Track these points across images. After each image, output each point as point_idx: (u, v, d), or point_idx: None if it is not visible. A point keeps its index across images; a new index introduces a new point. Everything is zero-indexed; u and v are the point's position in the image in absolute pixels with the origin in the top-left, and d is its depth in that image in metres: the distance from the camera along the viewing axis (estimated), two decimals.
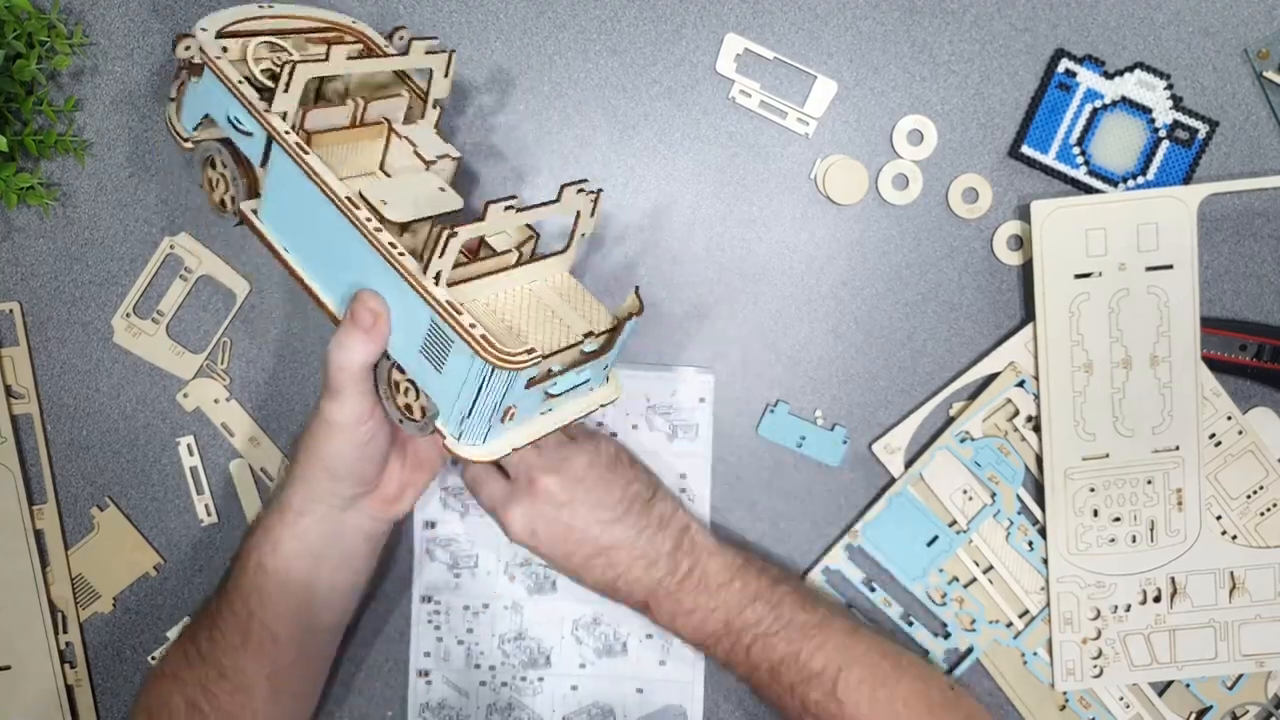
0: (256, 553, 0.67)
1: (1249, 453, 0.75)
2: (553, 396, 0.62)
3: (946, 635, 0.77)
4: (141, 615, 0.78)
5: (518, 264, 0.64)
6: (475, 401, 0.58)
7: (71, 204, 0.77)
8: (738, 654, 0.70)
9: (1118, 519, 0.75)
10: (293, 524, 0.66)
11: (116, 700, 0.78)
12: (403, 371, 0.61)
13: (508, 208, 0.58)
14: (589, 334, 0.61)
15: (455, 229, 0.56)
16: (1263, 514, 0.75)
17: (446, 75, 0.67)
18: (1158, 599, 0.75)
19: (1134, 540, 0.75)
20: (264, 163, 0.62)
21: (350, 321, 0.60)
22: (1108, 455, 0.74)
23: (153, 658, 0.78)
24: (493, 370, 0.56)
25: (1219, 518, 0.75)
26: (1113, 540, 0.75)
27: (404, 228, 0.63)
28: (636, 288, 0.63)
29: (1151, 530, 0.75)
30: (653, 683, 0.78)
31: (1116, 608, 0.75)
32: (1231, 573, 0.75)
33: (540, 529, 0.69)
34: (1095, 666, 0.75)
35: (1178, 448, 0.74)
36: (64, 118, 0.76)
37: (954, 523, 0.76)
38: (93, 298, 0.77)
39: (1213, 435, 0.74)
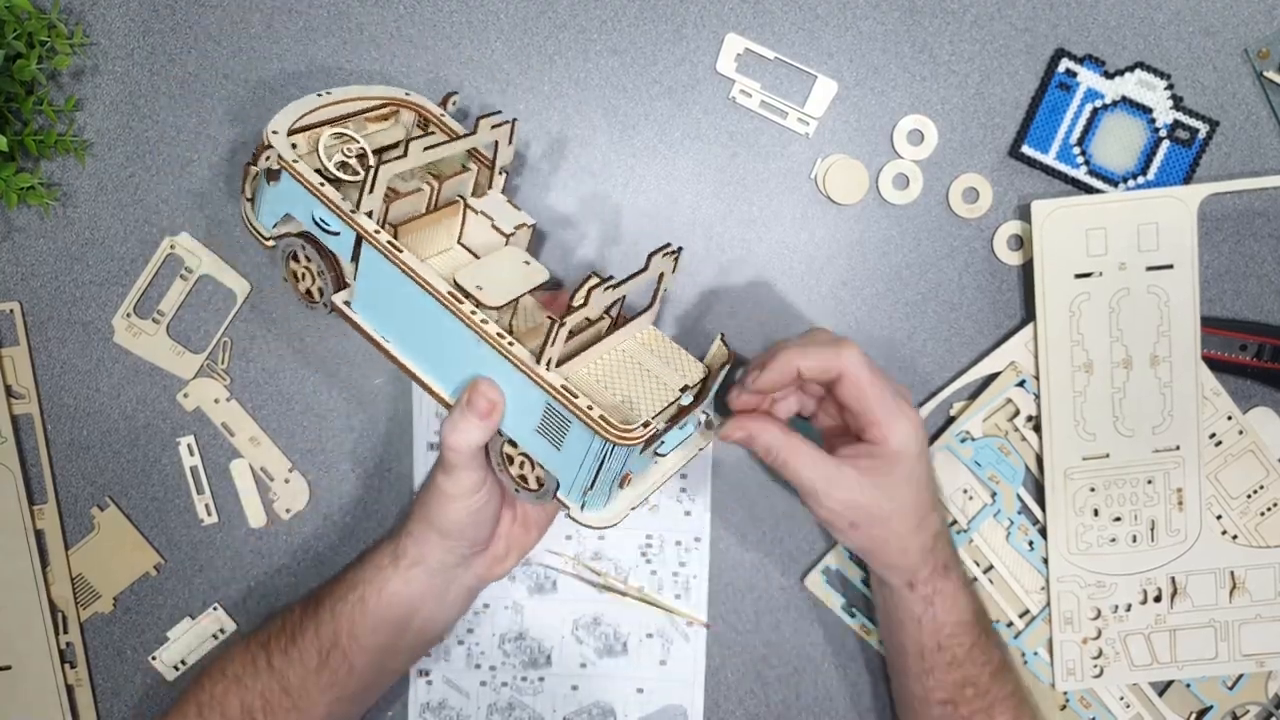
0: (363, 588, 0.69)
1: (1249, 452, 0.74)
2: (660, 455, 0.65)
3: None
4: (142, 615, 0.78)
5: (610, 330, 0.65)
6: (596, 476, 0.60)
7: (72, 204, 0.77)
8: (938, 669, 0.69)
9: (1118, 519, 0.75)
10: (405, 571, 0.69)
11: (117, 700, 0.78)
12: (515, 445, 0.63)
13: (607, 288, 0.59)
14: (684, 388, 0.63)
15: (563, 319, 0.58)
16: (1263, 514, 0.75)
17: (510, 143, 0.69)
18: (1158, 599, 0.75)
19: (1134, 540, 0.75)
20: (354, 258, 0.63)
21: (467, 407, 0.62)
22: (1108, 455, 0.74)
23: (154, 658, 0.78)
24: (613, 447, 0.58)
25: (1219, 517, 0.75)
26: (1113, 540, 0.75)
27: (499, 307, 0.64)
28: (722, 335, 0.65)
29: (1152, 530, 0.75)
30: (653, 682, 0.78)
31: (1117, 607, 0.75)
32: (1232, 572, 0.75)
33: (869, 494, 0.66)
34: (1095, 666, 0.75)
35: (1178, 447, 0.74)
36: (64, 117, 0.76)
37: (954, 522, 0.76)
38: (93, 298, 0.77)
39: (1213, 435, 0.74)
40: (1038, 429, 0.75)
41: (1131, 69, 0.74)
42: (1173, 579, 0.75)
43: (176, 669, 0.78)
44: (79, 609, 0.77)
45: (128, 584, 0.78)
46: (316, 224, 0.64)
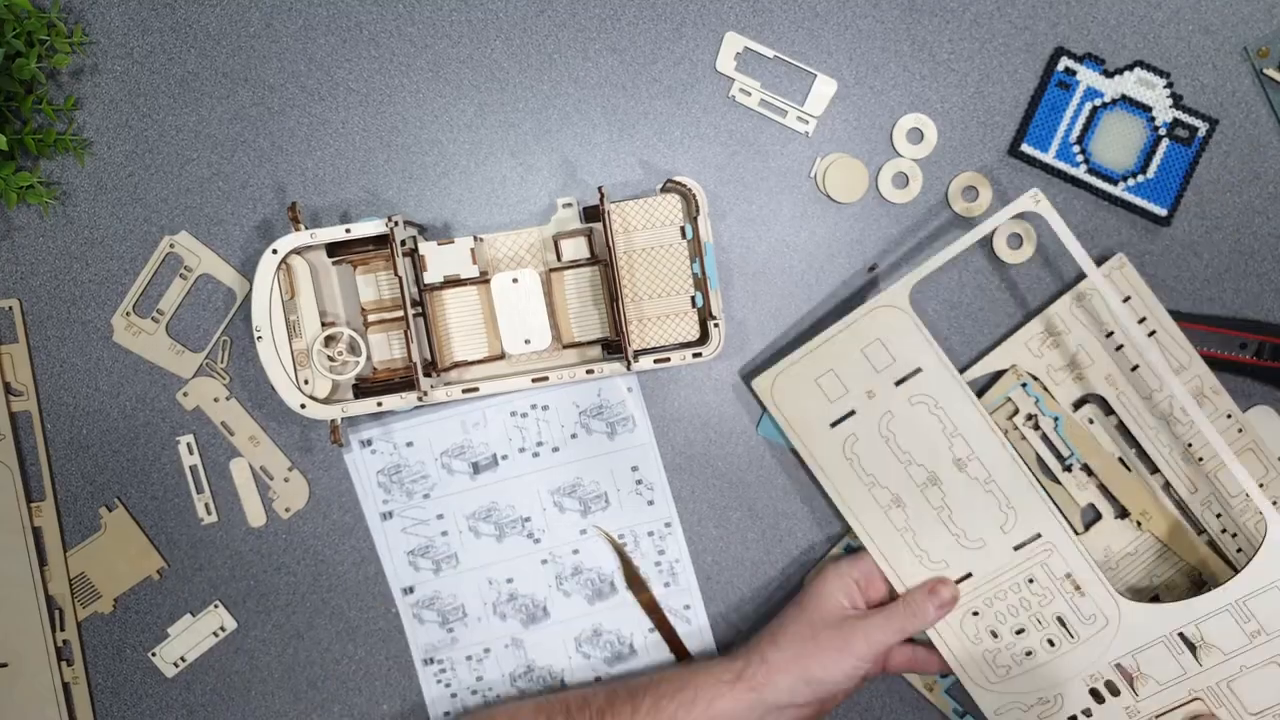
0: (695, 691, 0.70)
1: (1248, 451, 0.74)
2: None
3: None
4: (141, 614, 0.78)
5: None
6: None
7: (71, 203, 0.77)
8: None
9: (1021, 630, 0.71)
10: (741, 693, 0.69)
11: (115, 699, 0.78)
12: None
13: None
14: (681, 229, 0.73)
15: None
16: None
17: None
18: (1115, 692, 0.70)
19: (1053, 644, 0.71)
20: None
21: (942, 606, 0.71)
22: (970, 574, 0.71)
23: (153, 654, 0.78)
24: None
25: (1219, 515, 0.74)
26: (1029, 653, 0.71)
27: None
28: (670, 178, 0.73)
29: (1064, 626, 0.71)
30: (670, 670, 0.78)
31: (1075, 717, 0.71)
32: (1181, 634, 0.69)
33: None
34: None
35: (1039, 535, 0.70)
36: (64, 116, 0.76)
37: None
38: (92, 296, 0.77)
39: None
40: (1037, 427, 0.75)
41: (1131, 67, 0.74)
42: (1118, 666, 0.70)
43: (176, 665, 0.78)
44: (77, 607, 0.77)
45: (130, 586, 0.78)
46: None
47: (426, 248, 0.71)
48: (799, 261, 0.76)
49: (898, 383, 0.71)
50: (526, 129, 0.76)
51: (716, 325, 0.72)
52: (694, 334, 0.73)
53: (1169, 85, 0.74)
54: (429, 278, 0.72)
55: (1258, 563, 0.68)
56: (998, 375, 0.75)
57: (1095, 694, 0.70)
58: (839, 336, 0.72)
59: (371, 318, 0.74)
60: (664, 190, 0.73)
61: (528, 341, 0.71)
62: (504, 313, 0.72)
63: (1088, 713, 0.71)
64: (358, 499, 0.78)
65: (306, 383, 0.72)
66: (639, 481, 0.78)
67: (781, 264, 0.77)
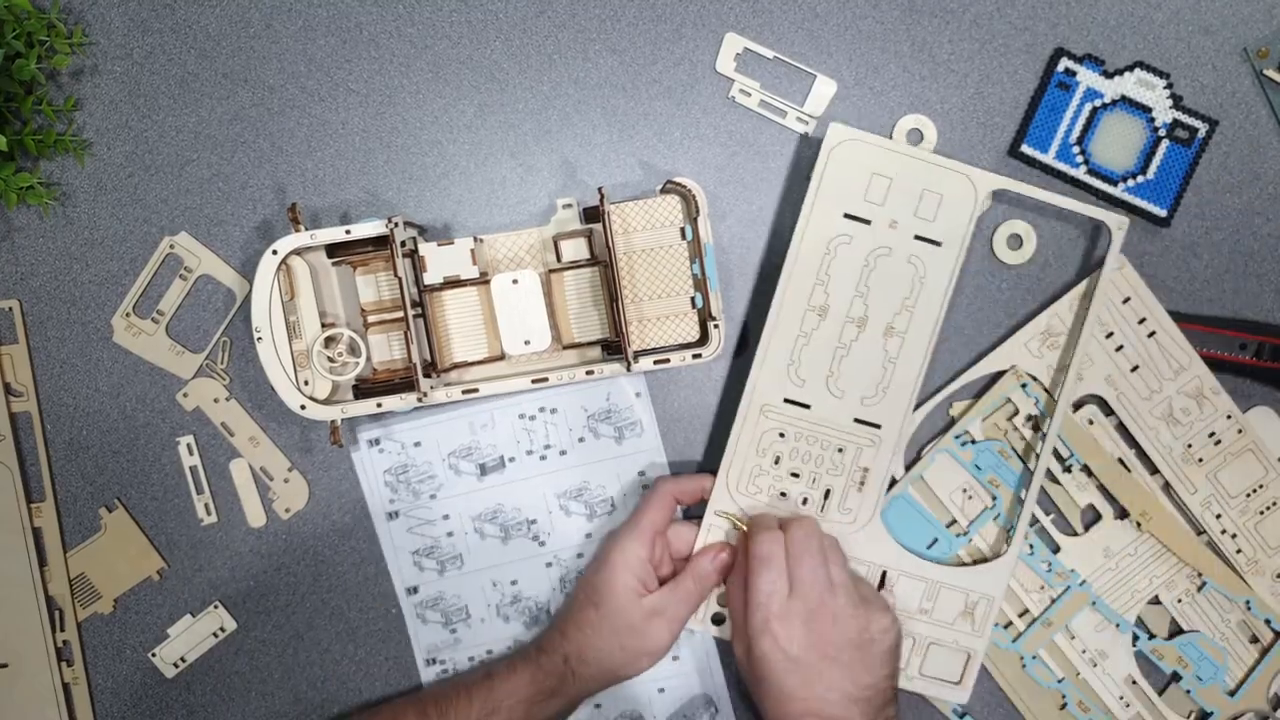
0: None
1: (1248, 451, 0.74)
2: None
3: None
4: (141, 615, 0.78)
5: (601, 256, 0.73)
6: None
7: (71, 203, 0.77)
8: None
9: (796, 474, 0.73)
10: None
11: (115, 699, 0.78)
12: None
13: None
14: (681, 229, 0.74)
15: None
16: (1262, 513, 0.75)
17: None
18: None
19: (805, 502, 0.73)
20: None
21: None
22: (809, 407, 0.73)
23: (153, 654, 0.78)
24: None
25: (1219, 516, 0.74)
26: (783, 495, 0.73)
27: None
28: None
29: (825, 499, 0.73)
30: (672, 679, 0.78)
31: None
32: (884, 571, 0.74)
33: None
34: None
35: (880, 426, 0.73)
36: (63, 117, 0.76)
37: (954, 522, 0.76)
38: (92, 297, 0.77)
39: (1212, 434, 0.74)
40: (1037, 428, 0.75)
41: (1131, 68, 0.74)
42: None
43: (176, 666, 0.78)
44: (77, 608, 0.77)
45: (130, 587, 0.78)
46: None
47: (426, 249, 0.71)
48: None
49: (917, 237, 0.72)
50: (526, 130, 0.76)
51: (716, 326, 0.72)
52: (694, 335, 0.73)
53: (1169, 86, 0.74)
54: (429, 279, 0.72)
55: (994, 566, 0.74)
56: (998, 376, 0.76)
57: None
58: (925, 163, 0.72)
59: (371, 318, 0.74)
60: (664, 191, 0.73)
61: (527, 342, 0.72)
62: (504, 313, 0.72)
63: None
64: (358, 500, 0.78)
65: (306, 383, 0.72)
66: (646, 487, 0.78)
67: (782, 265, 0.76)
